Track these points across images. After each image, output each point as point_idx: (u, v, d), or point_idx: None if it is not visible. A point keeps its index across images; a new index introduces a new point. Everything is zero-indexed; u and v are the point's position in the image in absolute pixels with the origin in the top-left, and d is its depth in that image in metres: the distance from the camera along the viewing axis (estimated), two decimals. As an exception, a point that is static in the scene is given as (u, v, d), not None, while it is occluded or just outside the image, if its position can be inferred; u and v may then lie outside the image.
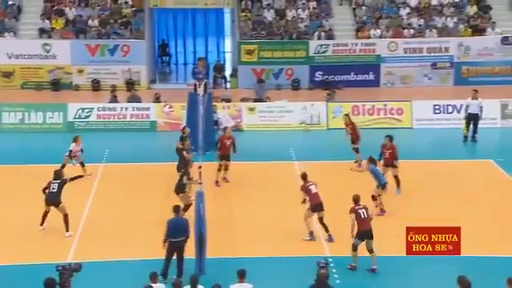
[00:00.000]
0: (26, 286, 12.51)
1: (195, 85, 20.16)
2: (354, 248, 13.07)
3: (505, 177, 18.34)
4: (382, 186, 15.62)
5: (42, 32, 27.04)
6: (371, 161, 15.77)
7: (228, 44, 32.44)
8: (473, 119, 21.33)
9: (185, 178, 15.00)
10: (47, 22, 27.29)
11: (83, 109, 22.76)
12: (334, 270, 12.79)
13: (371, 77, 27.23)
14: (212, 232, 13.67)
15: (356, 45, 27.14)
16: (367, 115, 23.14)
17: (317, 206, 14.35)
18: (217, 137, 21.14)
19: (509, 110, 23.31)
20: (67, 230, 14.53)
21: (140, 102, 23.72)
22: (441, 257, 12.30)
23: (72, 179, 14.97)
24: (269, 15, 28.31)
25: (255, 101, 24.33)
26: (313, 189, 14.54)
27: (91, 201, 16.61)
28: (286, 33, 27.70)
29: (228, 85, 27.97)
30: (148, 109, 23.01)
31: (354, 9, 28.62)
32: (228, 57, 32.13)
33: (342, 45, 27.15)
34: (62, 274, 10.63)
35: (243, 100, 24.24)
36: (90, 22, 27.50)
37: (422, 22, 27.97)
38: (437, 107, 23.33)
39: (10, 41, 26.69)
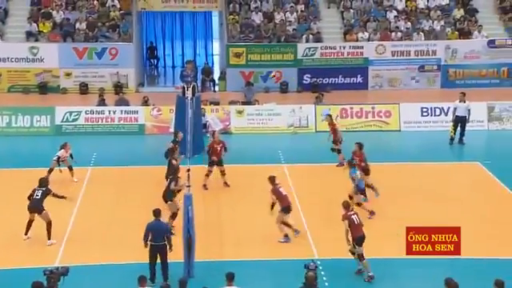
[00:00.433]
0: None
1: (183, 88, 20.12)
2: (362, 257, 12.87)
3: (491, 179, 18.44)
4: (361, 191, 15.73)
5: (29, 35, 26.88)
6: (350, 165, 15.86)
7: (216, 47, 32.43)
8: (460, 122, 21.44)
9: (173, 184, 14.95)
10: (34, 25, 27.13)
11: (71, 112, 22.67)
12: (322, 273, 12.79)
13: (359, 80, 27.26)
14: (200, 235, 13.64)
15: (344, 48, 27.16)
16: (355, 118, 23.20)
17: (289, 208, 14.48)
18: (206, 140, 21.24)
19: (495, 112, 23.46)
20: (49, 238, 14.35)
21: (128, 105, 23.64)
22: (433, 259, 12.40)
23: (54, 195, 14.69)
24: (257, 18, 28.32)
25: (244, 104, 24.31)
26: (283, 191, 14.63)
27: (79, 204, 16.52)
28: (274, 36, 27.72)
29: (216, 88, 27.93)
30: (136, 112, 22.94)
31: (342, 12, 28.67)
32: (216, 60, 32.14)
33: (330, 48, 27.16)
34: (49, 279, 10.64)
35: (232, 103, 24.21)
36: (77, 25, 27.38)
37: (409, 25, 28.09)
38: (424, 110, 23.41)
39: (-3, 44, 26.56)
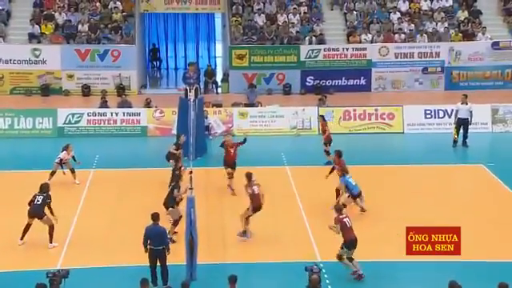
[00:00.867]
0: None
1: (186, 90, 20.06)
2: (350, 260, 12.93)
3: (495, 181, 18.34)
4: (354, 196, 15.66)
5: (32, 37, 26.85)
6: (342, 172, 15.87)
7: (219, 49, 32.37)
8: (463, 124, 21.34)
9: (175, 191, 14.83)
10: (37, 26, 27.11)
11: (73, 114, 22.61)
12: (325, 276, 12.71)
13: (362, 81, 27.18)
14: (203, 237, 13.59)
15: (347, 49, 27.09)
16: (358, 120, 23.11)
17: (259, 208, 14.54)
18: (208, 142, 21.21)
19: (499, 114, 23.35)
20: (50, 242, 14.27)
21: (131, 107, 23.60)
22: (436, 262, 12.30)
23: (49, 208, 14.44)
24: (260, 20, 28.27)
25: (246, 106, 24.24)
26: (256, 189, 14.65)
27: (81, 206, 16.48)
28: (277, 37, 27.67)
29: (219, 90, 27.86)
30: (139, 114, 22.89)
31: (345, 14, 28.61)
32: (219, 61, 32.08)
33: (333, 49, 27.10)
34: (52, 281, 10.66)
35: (234, 105, 24.16)
36: (79, 26, 27.36)
37: (412, 27, 28.01)
38: (428, 112, 23.33)
39: (-1, 46, 26.53)
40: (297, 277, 12.08)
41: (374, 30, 27.85)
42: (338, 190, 15.96)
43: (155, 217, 12.70)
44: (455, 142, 21.43)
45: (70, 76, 26.53)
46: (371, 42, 27.42)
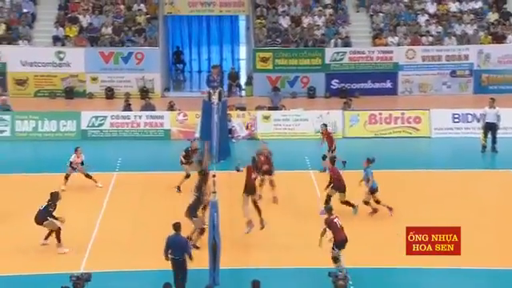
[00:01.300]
0: None
1: (209, 93, 19.97)
2: (335, 260, 12.91)
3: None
4: (373, 190, 15.68)
5: (56, 40, 26.93)
6: (370, 162, 15.97)
7: (243, 51, 32.26)
8: (490, 128, 20.92)
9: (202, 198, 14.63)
10: (61, 29, 27.19)
11: (97, 117, 22.58)
12: (350, 282, 12.40)
13: (388, 85, 26.95)
14: (226, 242, 13.46)
15: (373, 52, 26.89)
16: (384, 124, 22.87)
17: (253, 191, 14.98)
18: (231, 146, 21.06)
19: (530, 119, 22.83)
20: (58, 245, 13.96)
21: (154, 110, 23.52)
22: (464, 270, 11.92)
23: (52, 215, 14.16)
24: (284, 22, 28.08)
25: (270, 109, 24.08)
26: (253, 175, 14.92)
27: (104, 210, 16.41)
28: (301, 40, 27.46)
29: (243, 93, 27.78)
30: (162, 117, 22.80)
31: (372, 16, 28.34)
32: (243, 64, 31.96)
33: (359, 52, 26.91)
34: (75, 284, 10.66)
35: (258, 108, 24.00)
36: (103, 29, 27.38)
37: (440, 29, 27.62)
38: (456, 116, 22.97)
39: (24, 48, 26.61)
40: (321, 283, 11.87)
41: (401, 32, 27.57)
42: (366, 202, 15.73)
43: (177, 227, 12.49)
44: (484, 147, 20.99)
45: (94, 79, 26.56)
46: (398, 44, 27.20)
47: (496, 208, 16.76)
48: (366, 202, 15.76)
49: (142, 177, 18.73)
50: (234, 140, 22.00)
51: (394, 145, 22.09)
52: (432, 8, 28.47)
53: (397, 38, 27.30)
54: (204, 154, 16.02)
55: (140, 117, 22.74)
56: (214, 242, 12.63)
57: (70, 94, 26.37)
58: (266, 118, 22.99)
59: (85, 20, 27.71)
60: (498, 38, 27.34)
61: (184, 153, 17.53)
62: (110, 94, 26.53)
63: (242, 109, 23.80)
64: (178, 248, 12.29)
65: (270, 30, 27.75)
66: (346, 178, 16.56)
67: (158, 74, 27.00)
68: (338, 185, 15.71)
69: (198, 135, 20.82)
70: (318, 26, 27.92)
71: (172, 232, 12.47)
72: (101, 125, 22.51)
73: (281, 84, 26.69)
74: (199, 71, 32.60)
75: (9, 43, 26.61)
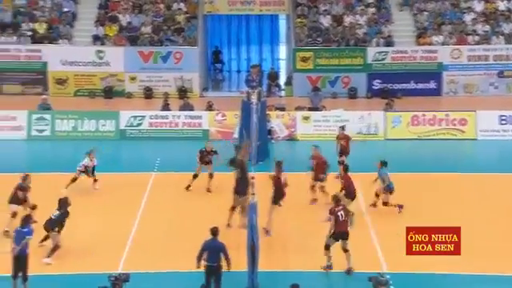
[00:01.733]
0: None
1: (248, 93, 19.75)
2: (327, 247, 13.10)
3: None
4: (389, 190, 15.74)
5: (96, 39, 27.02)
6: (382, 164, 15.99)
7: (283, 51, 31.98)
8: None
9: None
10: (101, 28, 27.27)
11: (135, 116, 22.53)
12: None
13: (432, 85, 26.44)
14: (265, 244, 13.34)
15: (416, 52, 26.44)
16: (428, 125, 22.42)
17: (281, 196, 14.92)
18: (271, 146, 20.78)
19: None
20: (48, 256, 13.55)
21: (192, 110, 23.37)
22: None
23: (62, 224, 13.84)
24: (325, 21, 27.69)
25: (310, 109, 23.78)
26: (282, 179, 14.89)
27: (142, 210, 16.30)
28: (342, 39, 27.05)
29: (282, 93, 27.54)
30: (200, 117, 22.65)
31: (415, 14, 27.80)
32: (283, 64, 31.69)
33: (402, 52, 26.48)
34: (114, 285, 10.70)
35: (298, 109, 23.77)
36: (143, 28, 27.37)
37: (487, 28, 26.87)
38: (503, 118, 22.42)
39: (64, 48, 26.77)
40: (361, 287, 11.63)
41: (446, 31, 27.02)
42: (377, 195, 16.02)
43: (214, 231, 12.20)
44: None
45: (133, 78, 26.57)
46: (442, 44, 26.67)
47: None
48: (385, 203, 15.77)
49: (180, 177, 18.52)
50: (273, 141, 21.72)
51: (438, 147, 21.69)
52: (479, 6, 27.77)
53: (441, 37, 26.77)
54: (240, 152, 15.76)
55: (178, 117, 22.63)
56: (252, 243, 12.44)
57: (109, 93, 26.42)
58: (306, 118, 22.67)
59: (124, 19, 27.75)
60: (549, 37, 26.54)
61: (199, 154, 17.30)
62: (148, 93, 26.49)
63: (282, 109, 23.55)
64: (214, 253, 12.02)
65: (311, 29, 27.40)
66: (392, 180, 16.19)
67: (197, 73, 26.88)
68: (348, 192, 15.34)
69: (236, 136, 20.58)
70: (360, 25, 27.47)
71: (209, 236, 12.23)
72: (139, 124, 22.45)
73: (321, 84, 26.36)
74: (238, 71, 32.40)
75: (49, 42, 26.81)
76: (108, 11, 28.02)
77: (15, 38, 26.68)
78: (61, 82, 26.51)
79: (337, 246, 13.94)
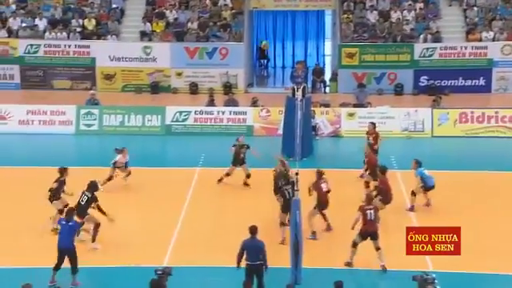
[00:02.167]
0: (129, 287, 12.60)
1: (293, 89, 19.66)
2: (354, 244, 13.18)
3: None
4: (427, 188, 15.70)
5: (143, 35, 27.33)
6: (418, 164, 15.89)
7: (328, 47, 31.76)
8: None
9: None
10: (148, 24, 27.57)
11: (181, 112, 22.70)
12: (438, 287, 11.84)
13: (482, 82, 25.87)
14: (308, 241, 13.35)
15: (466, 48, 25.87)
16: (476, 123, 21.97)
17: (325, 205, 14.81)
18: (315, 143, 20.66)
19: None
20: (93, 241, 13.88)
21: (237, 105, 23.42)
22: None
23: (99, 208, 13.98)
24: (372, 17, 27.37)
25: (355, 106, 23.53)
26: (324, 187, 14.77)
27: (187, 205, 16.42)
28: (389, 35, 26.71)
29: (327, 89, 27.34)
30: (245, 113, 22.67)
31: (465, 10, 27.22)
32: (328, 60, 31.46)
33: (451, 48, 25.95)
34: (160, 278, 10.82)
35: (343, 105, 23.56)
36: (189, 24, 27.56)
37: (541, 23, 26.14)
38: (554, 115, 21.77)
39: (112, 44, 27.14)
40: (406, 286, 11.47)
41: (497, 27, 26.41)
42: (413, 193, 15.93)
43: (253, 230, 12.17)
44: None
45: (179, 74, 26.78)
46: (493, 39, 26.06)
47: None
48: (414, 193, 15.79)
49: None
50: (317, 137, 21.60)
51: (487, 145, 21.22)
52: (531, 1, 27.03)
53: (492, 33, 26.15)
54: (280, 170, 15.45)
55: (223, 112, 22.70)
56: (296, 240, 12.46)
57: (155, 88, 26.70)
58: (351, 115, 22.46)
59: (171, 15, 27.98)
60: None
61: (233, 148, 17.32)
62: (194, 89, 26.67)
63: (327, 106, 23.38)
64: (253, 252, 12.00)
65: (357, 25, 27.12)
66: (438, 178, 15.92)
67: (242, 69, 26.91)
68: (384, 197, 15.08)
69: (280, 132, 20.51)
70: (408, 20, 27.04)
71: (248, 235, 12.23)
72: (185, 120, 22.62)
73: (367, 80, 26.07)
74: (283, 67, 32.30)
75: (98, 38, 27.23)
76: (155, 7, 28.28)
77: (65, 34, 27.20)
78: (108, 77, 26.91)
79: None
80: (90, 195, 14.00)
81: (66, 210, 13.25)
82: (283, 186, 14.61)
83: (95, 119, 22.69)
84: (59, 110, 22.76)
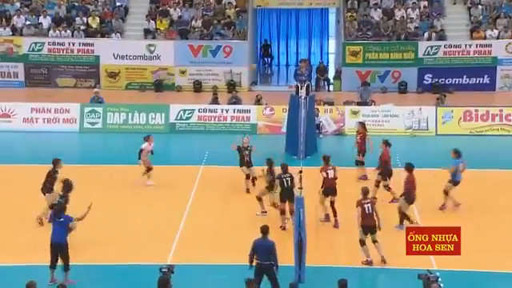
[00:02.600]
0: (129, 286, 12.60)
1: (297, 87, 19.66)
2: (362, 243, 13.16)
3: None
4: (455, 183, 15.52)
5: (147, 33, 27.33)
6: (457, 154, 15.72)
7: (332, 45, 31.76)
8: None
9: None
10: (152, 22, 27.58)
11: (184, 110, 22.71)
12: (441, 285, 11.79)
13: (486, 80, 25.85)
14: (312, 239, 13.26)
15: (470, 46, 25.85)
16: (480, 121, 21.95)
17: (331, 191, 15.00)
18: (319, 141, 20.63)
19: None
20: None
21: (240, 103, 23.41)
22: None
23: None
24: (376, 15, 27.33)
25: (359, 104, 23.53)
26: (330, 173, 14.98)
27: (191, 203, 16.41)
28: (393, 33, 26.65)
29: (331, 87, 27.32)
30: (249, 111, 22.67)
31: (469, 8, 27.19)
32: (332, 58, 31.48)
33: (455, 46, 25.93)
34: (164, 275, 10.85)
35: (346, 103, 23.54)
36: (193, 22, 27.55)
37: (544, 21, 26.07)
38: (559, 113, 21.71)
39: (116, 41, 27.15)
40: (409, 284, 11.47)
41: (501, 25, 26.40)
42: (446, 192, 15.72)
43: (264, 230, 12.15)
44: None
45: (183, 72, 26.78)
46: (497, 38, 26.02)
47: None
48: (446, 192, 15.65)
49: (229, 171, 18.60)
50: (321, 135, 21.58)
51: (491, 143, 21.19)
52: (536, -1, 26.97)
53: (496, 32, 26.14)
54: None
55: (227, 110, 22.70)
56: (299, 238, 12.45)
57: (159, 86, 26.71)
58: (355, 113, 22.44)
59: (175, 13, 27.98)
60: None
61: (238, 151, 17.23)
62: (197, 87, 26.67)
63: (330, 104, 23.36)
64: (264, 252, 11.99)
65: (361, 23, 27.08)
66: (442, 177, 15.86)
67: (246, 67, 26.89)
68: (408, 196, 14.92)
69: (284, 130, 20.48)
70: (412, 18, 27.00)
71: (257, 232, 12.22)
72: (188, 118, 22.63)
73: (371, 78, 26.02)
74: (287, 65, 32.30)
75: (102, 36, 27.24)
76: (159, 5, 28.29)
77: (69, 32, 27.23)
78: (112, 75, 26.92)
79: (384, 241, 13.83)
80: (64, 196, 13.91)
81: (54, 208, 13.12)
82: (282, 175, 14.74)
83: (99, 117, 22.71)
84: (63, 108, 22.79)
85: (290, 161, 17.29)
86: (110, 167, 18.91)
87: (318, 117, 21.57)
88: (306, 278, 12.37)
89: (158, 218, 15.47)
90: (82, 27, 27.34)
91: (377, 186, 16.38)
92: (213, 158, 19.47)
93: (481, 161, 18.70)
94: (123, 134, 22.36)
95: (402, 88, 26.10)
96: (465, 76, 25.86)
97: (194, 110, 22.69)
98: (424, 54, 25.96)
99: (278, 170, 15.25)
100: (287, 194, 14.60)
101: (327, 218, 15.09)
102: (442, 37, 26.30)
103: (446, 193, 15.68)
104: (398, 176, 16.84)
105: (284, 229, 14.44)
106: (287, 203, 14.65)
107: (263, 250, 11.98)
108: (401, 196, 15.02)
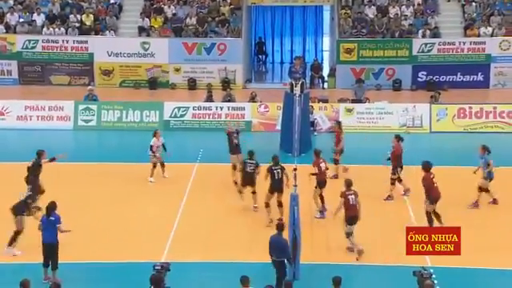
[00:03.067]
0: (123, 284, 12.59)
1: (292, 84, 19.68)
2: (348, 235, 13.41)
3: None
4: (491, 179, 15.56)
5: (142, 30, 27.28)
6: (485, 150, 15.86)
7: (326, 42, 31.76)
8: None
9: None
10: (147, 20, 27.52)
11: (179, 108, 22.69)
12: (435, 282, 11.85)
13: (480, 77, 25.90)
14: (307, 236, 13.29)
15: (464, 43, 25.86)
16: (474, 118, 22.00)
17: (323, 183, 15.28)
18: (313, 138, 20.65)
19: None
20: (9, 244, 13.44)
21: (235, 101, 23.40)
22: None
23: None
24: (370, 12, 27.35)
25: (353, 101, 23.54)
26: (322, 166, 15.26)
27: (185, 200, 16.43)
28: (387, 31, 26.67)
29: (325, 85, 27.33)
30: (243, 108, 22.67)
31: (463, 5, 27.23)
32: (326, 56, 31.46)
33: (449, 43, 25.95)
34: (159, 273, 10.88)
35: (341, 101, 23.57)
36: (187, 20, 27.51)
37: (538, 19, 26.13)
38: (553, 110, 21.80)
39: (111, 39, 27.09)
40: (404, 281, 11.51)
41: (495, 22, 26.43)
42: (480, 188, 15.78)
43: (280, 226, 12.24)
44: None
45: (177, 69, 26.75)
46: (491, 35, 26.08)
47: None
48: (482, 189, 15.67)
49: (223, 168, 18.58)
50: (315, 133, 21.59)
51: (485, 140, 20.89)
52: (529, -4, 27.04)
53: (490, 29, 26.17)
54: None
55: (221, 108, 22.69)
56: (294, 235, 12.47)
57: (153, 84, 26.67)
58: (349, 110, 22.47)
59: (169, 11, 27.93)
60: None
61: (228, 138, 17.35)
62: (192, 84, 26.64)
63: (325, 101, 23.38)
64: (277, 249, 12.07)
65: (355, 20, 27.10)
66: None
67: (240, 65, 26.88)
68: (428, 195, 14.59)
69: (279, 127, 20.49)
70: (406, 16, 27.03)
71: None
72: (183, 115, 22.61)
73: (365, 76, 26.06)
74: (281, 62, 32.28)
75: (96, 34, 27.18)
76: (153, 3, 28.23)
77: (63, 29, 27.15)
78: (107, 73, 26.87)
79: (375, 237, 13.87)
80: (28, 193, 13.97)
81: (46, 206, 13.07)
82: (273, 167, 14.77)
83: (93, 115, 22.68)
84: (57, 106, 22.75)
85: (285, 158, 17.29)
86: (104, 165, 18.88)
87: (312, 114, 21.58)
88: (301, 276, 12.40)
89: (152, 216, 15.47)
90: (76, 25, 27.27)
91: (393, 183, 16.31)
92: (207, 156, 19.48)
93: (475, 158, 18.70)
94: (117, 132, 22.35)
95: (397, 85, 26.14)
96: (459, 73, 25.90)
97: (188, 107, 22.67)
98: (418, 52, 26.00)
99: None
100: (277, 186, 14.70)
101: (322, 214, 15.12)
102: (436, 34, 26.34)
103: (484, 190, 15.68)
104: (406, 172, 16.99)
105: (271, 222, 14.41)
106: (276, 194, 14.68)
107: (276, 247, 12.09)
108: (426, 198, 14.65)
